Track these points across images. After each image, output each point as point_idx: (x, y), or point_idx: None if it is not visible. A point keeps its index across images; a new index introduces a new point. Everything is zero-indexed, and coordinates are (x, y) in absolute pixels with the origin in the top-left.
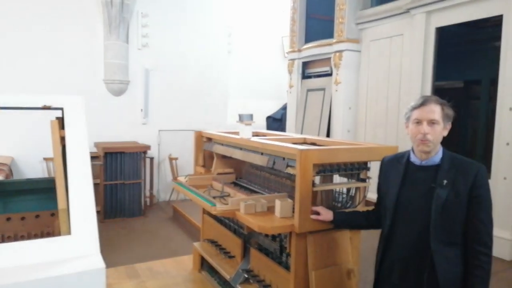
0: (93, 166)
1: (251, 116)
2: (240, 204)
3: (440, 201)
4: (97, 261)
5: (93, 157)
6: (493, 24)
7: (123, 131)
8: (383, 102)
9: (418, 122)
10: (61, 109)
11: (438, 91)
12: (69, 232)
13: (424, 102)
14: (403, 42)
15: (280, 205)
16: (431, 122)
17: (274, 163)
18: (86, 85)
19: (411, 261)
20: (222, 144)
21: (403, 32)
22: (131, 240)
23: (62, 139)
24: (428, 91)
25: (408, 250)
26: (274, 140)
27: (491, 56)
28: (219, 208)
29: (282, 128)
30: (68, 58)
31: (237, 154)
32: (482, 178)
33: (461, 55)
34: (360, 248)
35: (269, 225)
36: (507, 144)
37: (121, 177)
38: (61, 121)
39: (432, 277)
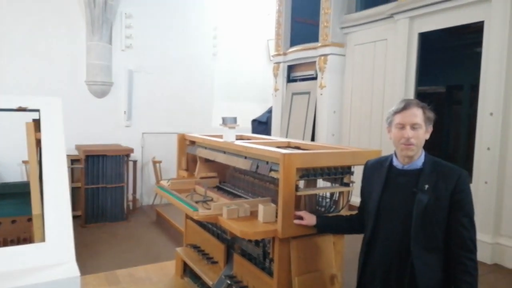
0: (74, 169)
1: (234, 119)
2: (223, 209)
3: (421, 206)
4: (72, 269)
5: (74, 160)
6: (475, 31)
7: (105, 134)
8: (367, 106)
9: (401, 126)
10: (38, 110)
11: (421, 96)
12: (43, 239)
13: (406, 106)
14: (387, 46)
15: (263, 210)
16: (414, 126)
17: (257, 167)
18: (67, 86)
19: (392, 266)
20: (206, 148)
21: (387, 37)
22: (113, 245)
23: (39, 141)
24: (411, 95)
25: (389, 255)
26: (257, 144)
27: (472, 62)
28: (201, 213)
29: (268, 132)
30: (49, 59)
31: (221, 158)
32: (463, 183)
33: (443, 61)
34: (344, 253)
35: (251, 230)
36: (488, 148)
37: (103, 180)
38: (38, 123)
39: (413, 283)
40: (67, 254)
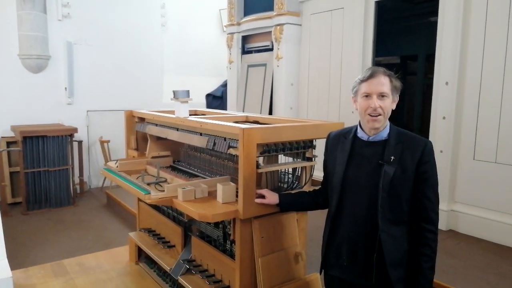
0: (11, 153)
1: (187, 93)
2: (178, 191)
3: (388, 178)
4: (3, 270)
5: (11, 143)
6: None
7: (45, 113)
8: (325, 78)
9: (367, 95)
10: None
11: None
12: None
13: (372, 74)
14: (343, 16)
15: (222, 189)
16: (381, 95)
17: (214, 144)
18: None
19: (359, 241)
20: (156, 125)
21: (344, 6)
22: (59, 232)
23: None
24: (369, 66)
25: (356, 230)
26: (214, 119)
27: (427, 32)
28: (154, 196)
29: (223, 107)
30: None
31: (173, 135)
32: (428, 154)
33: (398, 31)
34: (307, 229)
35: (210, 213)
36: (444, 118)
37: (44, 163)
38: None
39: (380, 256)
40: None
